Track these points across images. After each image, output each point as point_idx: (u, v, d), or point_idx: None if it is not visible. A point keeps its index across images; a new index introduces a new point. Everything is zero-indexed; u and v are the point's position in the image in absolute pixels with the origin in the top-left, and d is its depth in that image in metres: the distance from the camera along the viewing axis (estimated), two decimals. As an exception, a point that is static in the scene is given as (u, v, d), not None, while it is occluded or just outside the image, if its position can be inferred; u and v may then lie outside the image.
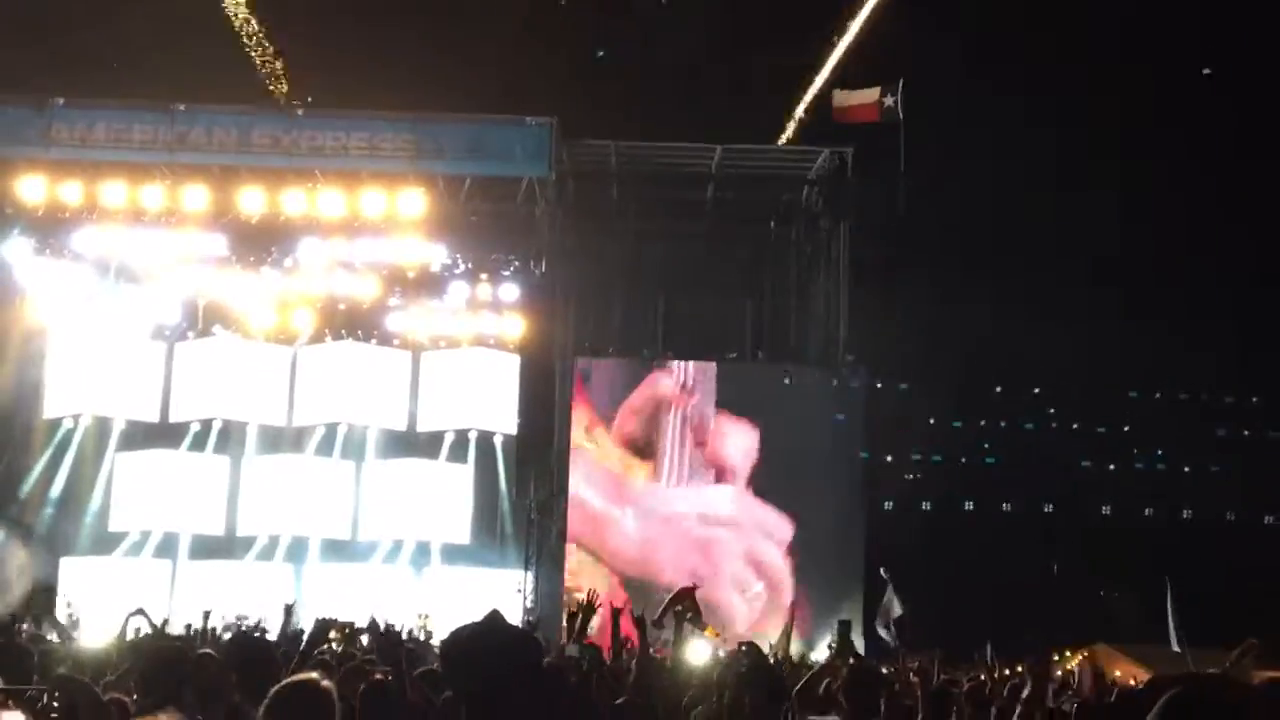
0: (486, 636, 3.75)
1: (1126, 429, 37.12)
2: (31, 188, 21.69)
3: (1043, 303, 29.11)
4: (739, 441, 22.91)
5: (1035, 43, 28.92)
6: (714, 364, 23.21)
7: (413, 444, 23.28)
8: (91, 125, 22.50)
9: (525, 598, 21.98)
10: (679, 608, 10.19)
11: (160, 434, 22.81)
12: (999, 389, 35.96)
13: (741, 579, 22.46)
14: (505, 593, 21.28)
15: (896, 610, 13.32)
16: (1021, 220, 28.11)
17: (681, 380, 23.10)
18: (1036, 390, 36.47)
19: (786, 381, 22.85)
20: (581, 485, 22.86)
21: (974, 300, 26.93)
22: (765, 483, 22.78)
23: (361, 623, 9.92)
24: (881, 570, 13.94)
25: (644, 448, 23.07)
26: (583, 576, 22.18)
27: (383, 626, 10.19)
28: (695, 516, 22.81)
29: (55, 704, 5.22)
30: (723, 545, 22.64)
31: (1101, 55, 29.37)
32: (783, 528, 22.73)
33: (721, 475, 23.02)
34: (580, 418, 23.12)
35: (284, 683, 4.40)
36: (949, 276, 26.79)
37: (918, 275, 25.94)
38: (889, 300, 24.24)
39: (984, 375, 33.87)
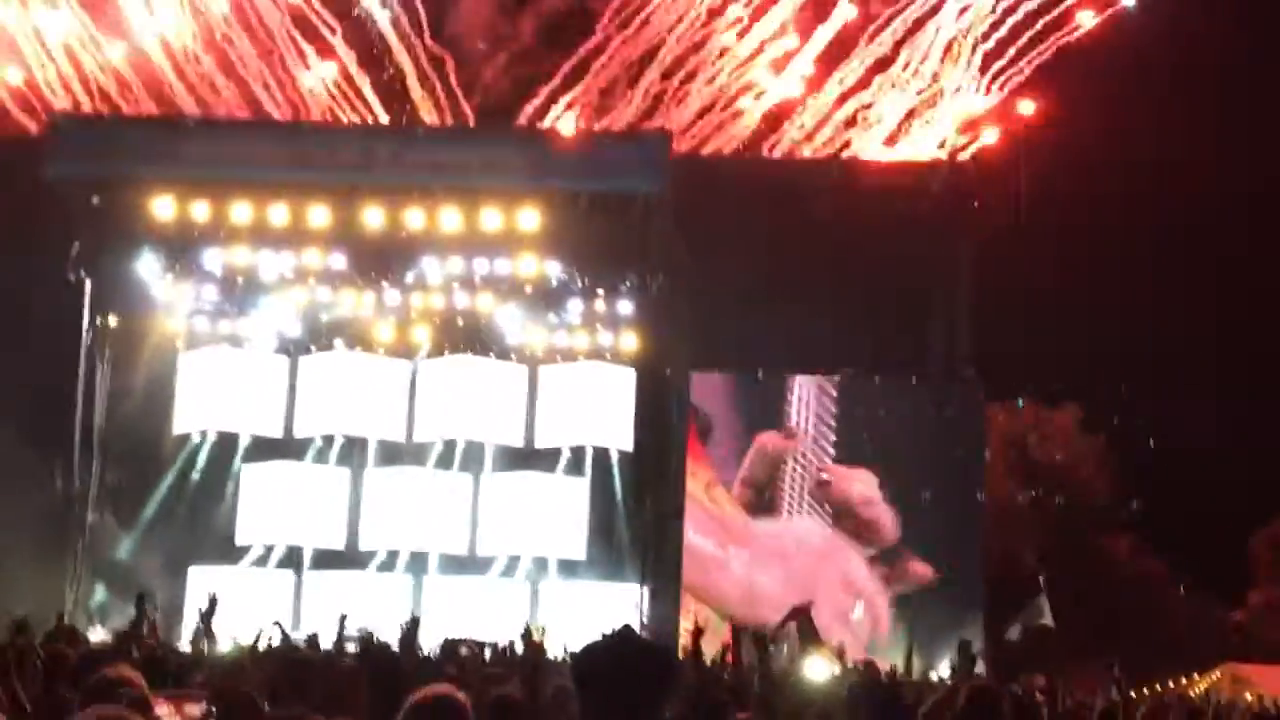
0: (623, 651, 3.73)
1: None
2: (162, 206, 22.24)
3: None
4: (859, 489, 22.76)
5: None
6: (833, 404, 23.05)
7: (529, 459, 23.46)
8: (219, 144, 23.05)
9: (642, 614, 21.99)
10: (794, 624, 10.14)
11: (283, 449, 23.23)
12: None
13: (844, 606, 22.25)
14: (622, 608, 21.30)
15: (1047, 618, 13.02)
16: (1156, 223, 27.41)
17: (795, 420, 22.98)
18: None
19: (882, 413, 22.70)
20: (692, 532, 22.67)
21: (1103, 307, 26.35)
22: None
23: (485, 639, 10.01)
24: (1040, 577, 13.65)
25: (761, 508, 22.97)
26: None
27: (504, 644, 10.23)
28: (804, 552, 22.62)
29: (214, 710, 5.32)
30: (827, 579, 22.43)
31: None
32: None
33: (841, 519, 22.85)
34: (700, 475, 23.01)
35: (421, 694, 4.42)
36: (1077, 286, 26.31)
37: (1044, 287, 25.54)
38: (1016, 313, 23.92)
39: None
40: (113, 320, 22.97)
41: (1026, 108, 24.62)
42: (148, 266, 22.81)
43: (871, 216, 23.20)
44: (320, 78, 26.20)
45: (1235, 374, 28.64)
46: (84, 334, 22.51)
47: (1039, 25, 25.91)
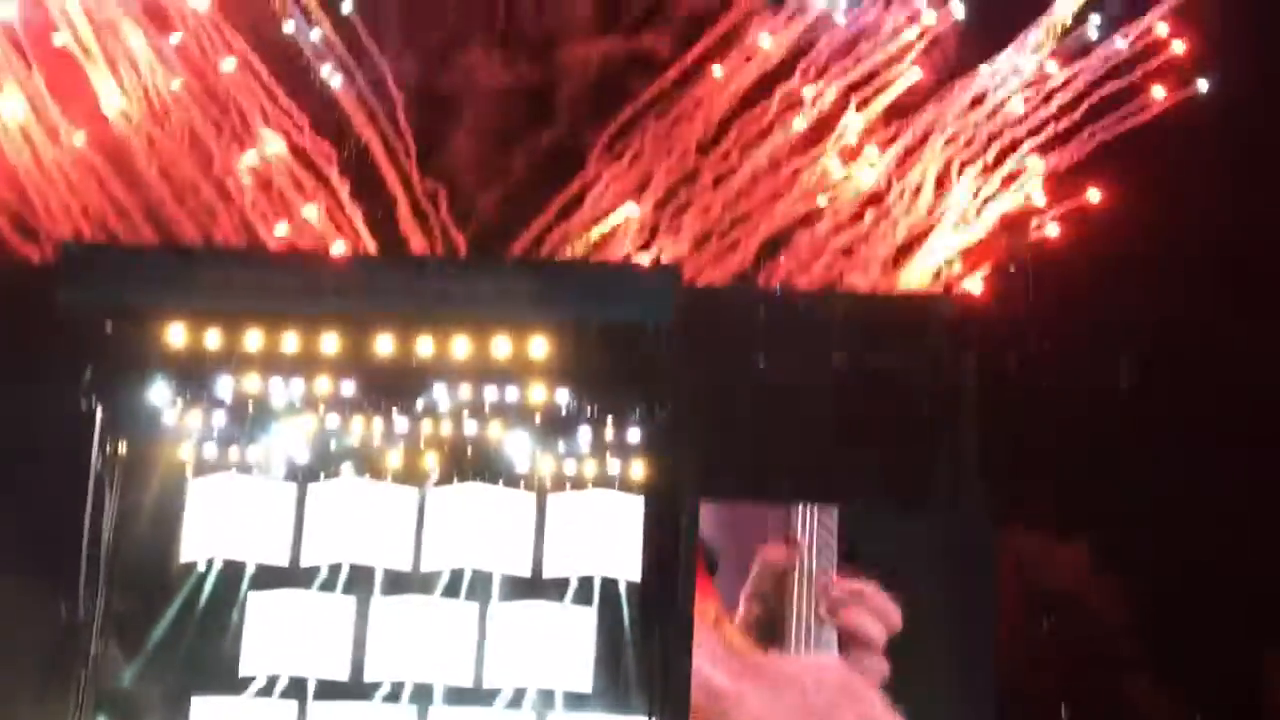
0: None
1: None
2: (175, 333, 22.42)
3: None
4: (870, 605, 22.58)
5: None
6: (835, 513, 23.03)
7: (537, 588, 23.28)
8: (231, 273, 23.31)
9: (650, 749, 21.69)
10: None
11: (290, 577, 23.07)
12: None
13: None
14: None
15: None
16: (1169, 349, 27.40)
17: (800, 537, 22.92)
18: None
19: (889, 541, 22.59)
20: (701, 665, 22.46)
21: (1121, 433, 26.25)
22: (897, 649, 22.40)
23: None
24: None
25: (770, 627, 22.81)
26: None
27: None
28: (821, 689, 22.37)
29: None
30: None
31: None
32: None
33: (850, 644, 22.63)
34: (708, 610, 22.91)
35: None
36: (1090, 415, 26.30)
37: (1054, 417, 25.57)
38: (1025, 442, 23.96)
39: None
40: (122, 447, 22.95)
41: (1094, 195, 25.01)
42: (159, 394, 22.87)
43: (877, 345, 23.42)
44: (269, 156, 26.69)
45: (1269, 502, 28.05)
46: (93, 461, 22.53)
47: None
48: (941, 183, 27.66)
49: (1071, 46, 27.63)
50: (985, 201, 27.20)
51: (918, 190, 27.60)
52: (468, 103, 28.30)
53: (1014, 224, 26.74)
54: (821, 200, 27.55)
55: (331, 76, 27.76)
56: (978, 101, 27.45)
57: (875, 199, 27.54)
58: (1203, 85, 27.34)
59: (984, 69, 27.64)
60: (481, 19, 28.72)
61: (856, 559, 22.75)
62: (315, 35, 27.85)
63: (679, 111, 28.26)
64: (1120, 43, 27.31)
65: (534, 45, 28.96)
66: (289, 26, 27.67)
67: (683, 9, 28.30)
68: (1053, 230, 26.23)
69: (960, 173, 27.28)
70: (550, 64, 28.73)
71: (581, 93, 28.51)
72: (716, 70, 28.08)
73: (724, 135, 28.22)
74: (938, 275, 26.80)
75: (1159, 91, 27.04)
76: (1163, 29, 27.47)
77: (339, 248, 26.48)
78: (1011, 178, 27.18)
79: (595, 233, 27.90)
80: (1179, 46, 27.31)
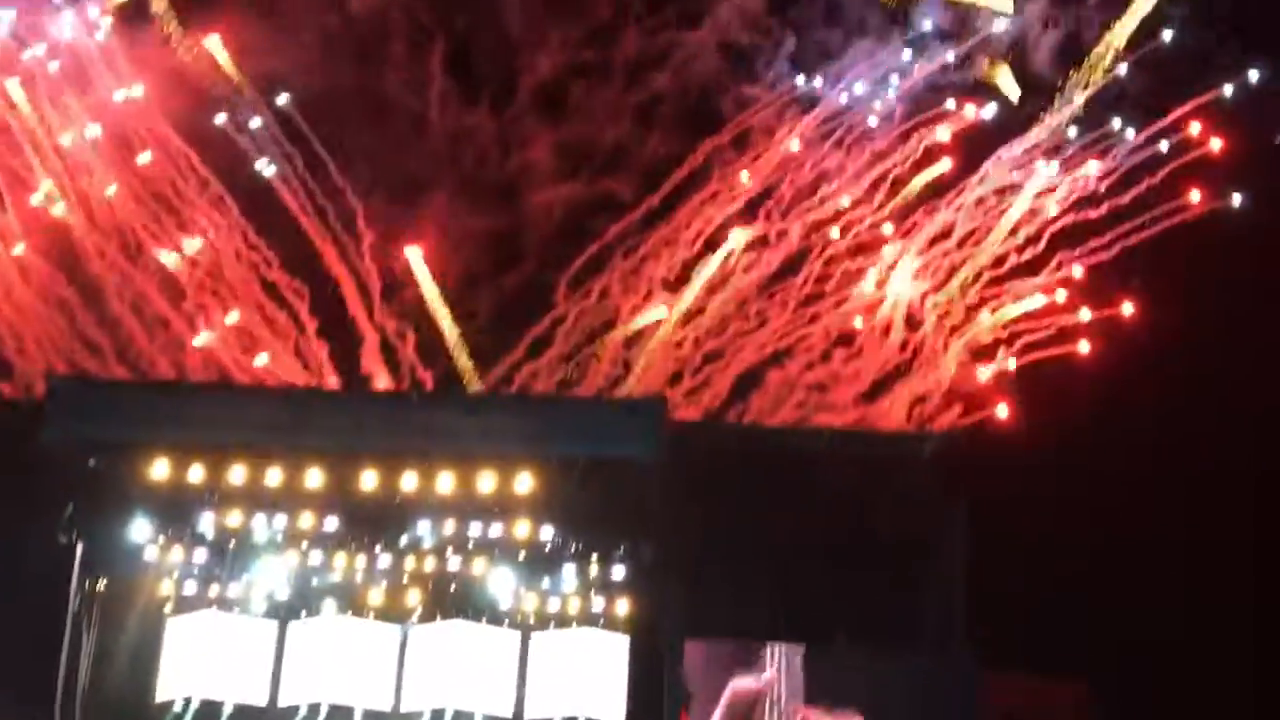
0: None
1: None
2: (158, 469, 22.30)
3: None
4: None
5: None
6: (802, 651, 22.91)
7: (519, 730, 22.95)
8: (216, 408, 23.29)
9: None
10: None
11: (268, 717, 22.65)
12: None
13: None
14: None
15: None
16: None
17: (770, 669, 22.78)
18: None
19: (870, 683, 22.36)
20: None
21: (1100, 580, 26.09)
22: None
23: None
24: None
25: None
26: None
27: None
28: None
29: None
30: None
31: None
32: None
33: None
34: None
35: None
36: (1071, 560, 26.23)
37: (1037, 558, 25.54)
38: (1007, 584, 23.89)
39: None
40: (102, 583, 22.71)
41: (1128, 307, 25.19)
42: (140, 530, 22.69)
43: (862, 483, 23.47)
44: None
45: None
46: (72, 597, 22.26)
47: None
48: (911, 318, 28.11)
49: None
50: (952, 334, 27.56)
51: (888, 328, 28.04)
52: (434, 244, 28.90)
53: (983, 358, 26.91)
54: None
55: (301, 209, 28.34)
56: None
57: (845, 339, 28.01)
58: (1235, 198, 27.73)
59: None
60: (447, 166, 29.41)
61: (835, 694, 22.51)
62: (272, 170, 28.42)
63: (645, 250, 28.77)
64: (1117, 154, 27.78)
65: (499, 190, 29.65)
66: (263, 166, 28.28)
67: (645, 155, 29.01)
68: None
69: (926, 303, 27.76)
70: (516, 208, 29.37)
71: (547, 235, 29.08)
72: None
73: (689, 273, 28.80)
74: (911, 412, 27.04)
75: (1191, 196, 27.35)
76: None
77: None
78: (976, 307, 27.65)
79: (633, 326, 28.24)
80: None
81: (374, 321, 28.30)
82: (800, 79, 28.58)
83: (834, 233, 28.13)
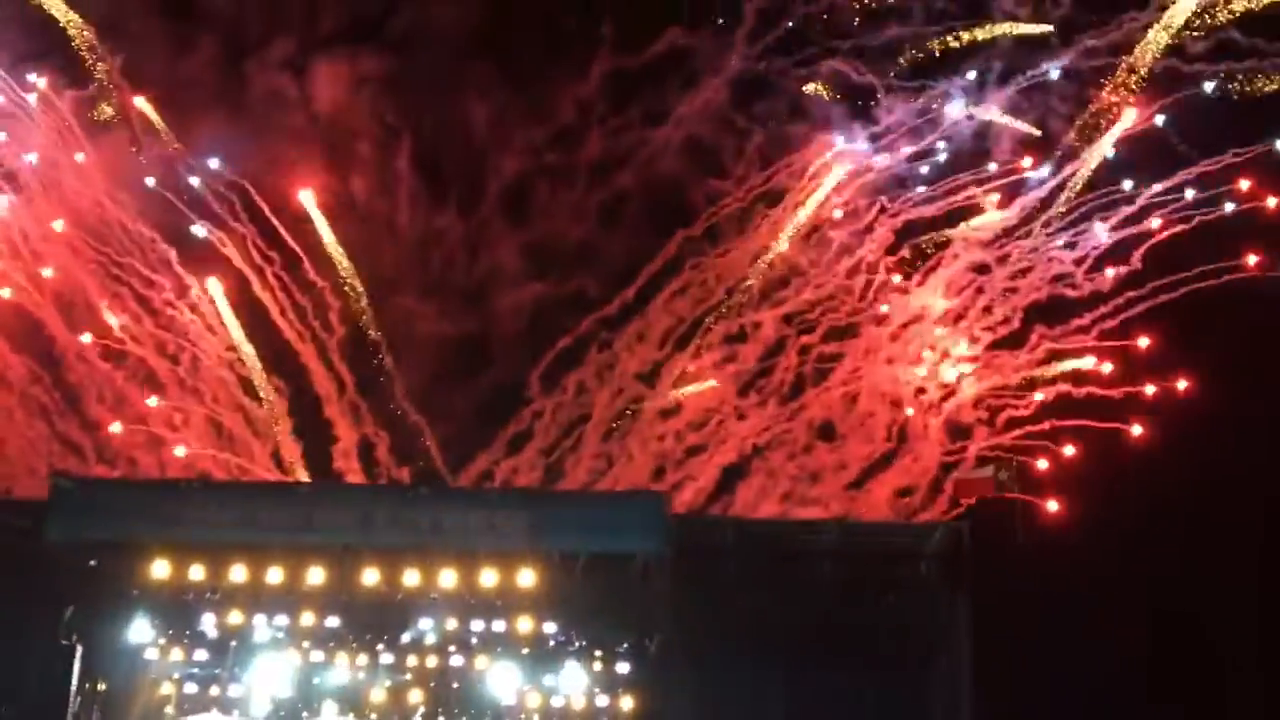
0: None
1: None
2: (159, 568, 22.13)
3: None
4: None
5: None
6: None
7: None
8: (220, 507, 23.10)
9: None
10: None
11: (270, 820, 22.42)
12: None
13: None
14: None
15: None
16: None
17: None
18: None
19: None
20: None
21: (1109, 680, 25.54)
22: None
23: None
24: None
25: None
26: None
27: None
28: None
29: None
30: None
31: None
32: None
33: None
34: None
35: None
36: (1079, 655, 25.74)
37: (1044, 651, 25.15)
38: (1015, 678, 23.56)
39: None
40: (101, 685, 22.50)
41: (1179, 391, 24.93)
42: (140, 630, 22.51)
43: (866, 575, 23.29)
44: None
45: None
46: (72, 698, 22.07)
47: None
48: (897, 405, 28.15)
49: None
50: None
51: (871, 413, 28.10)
52: (405, 347, 29.20)
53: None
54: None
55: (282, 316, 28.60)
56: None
57: (826, 432, 28.13)
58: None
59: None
60: (416, 269, 29.80)
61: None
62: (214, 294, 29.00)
63: (619, 345, 28.91)
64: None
65: (467, 295, 29.94)
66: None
67: (612, 252, 29.22)
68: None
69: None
70: (484, 311, 29.64)
71: (519, 334, 29.27)
72: None
73: (663, 369, 28.98)
74: (898, 501, 27.02)
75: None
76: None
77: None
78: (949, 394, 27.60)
79: (682, 391, 28.33)
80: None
81: (349, 423, 28.37)
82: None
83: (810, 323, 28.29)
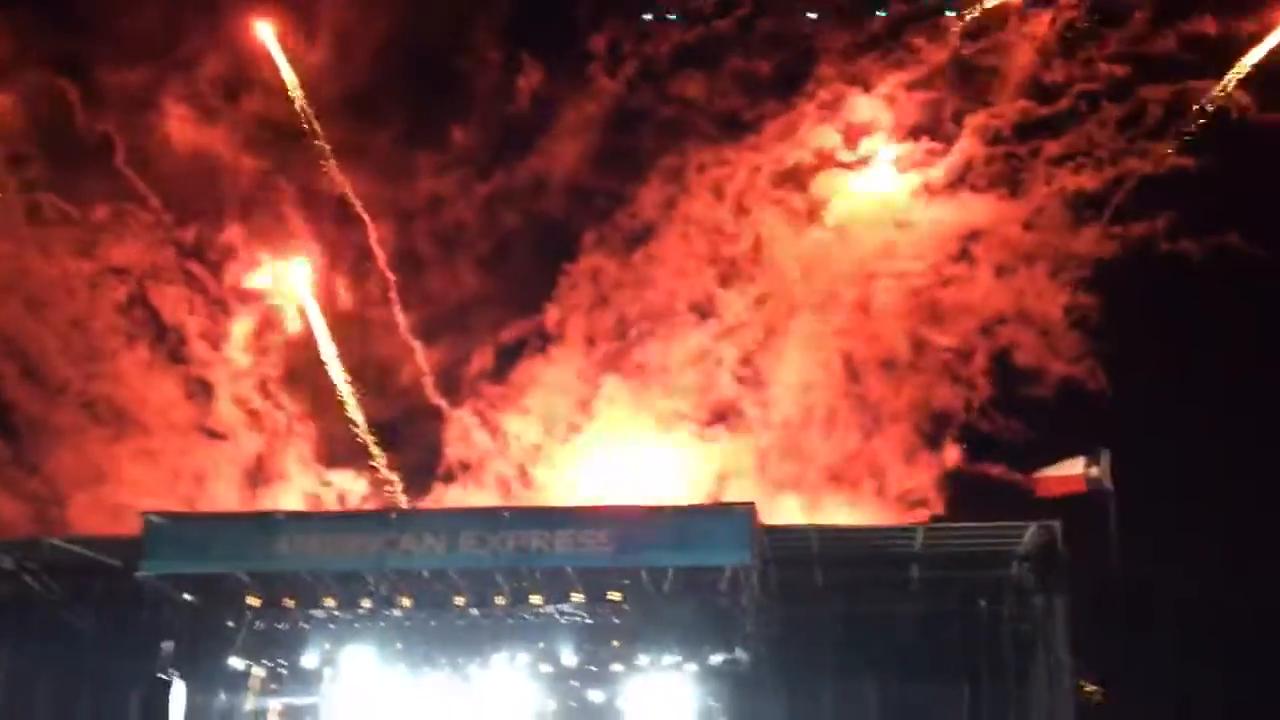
0: None
1: None
2: (252, 601, 22.42)
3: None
4: None
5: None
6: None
7: None
8: (309, 536, 23.19)
9: None
10: None
11: None
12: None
13: None
14: None
15: None
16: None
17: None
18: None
19: None
20: None
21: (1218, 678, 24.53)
22: None
23: None
24: None
25: None
26: None
27: None
28: None
29: None
30: None
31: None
32: None
33: None
34: None
35: None
36: (1183, 654, 24.77)
37: (1144, 651, 24.32)
38: (1116, 679, 22.92)
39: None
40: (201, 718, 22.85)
41: None
42: (237, 662, 22.84)
43: (957, 579, 22.85)
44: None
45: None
46: (173, 733, 22.41)
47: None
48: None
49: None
50: None
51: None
52: None
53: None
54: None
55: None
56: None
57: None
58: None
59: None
60: None
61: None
62: None
63: None
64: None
65: None
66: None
67: None
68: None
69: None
70: None
71: None
72: None
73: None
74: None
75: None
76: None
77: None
78: None
79: None
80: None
81: None
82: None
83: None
